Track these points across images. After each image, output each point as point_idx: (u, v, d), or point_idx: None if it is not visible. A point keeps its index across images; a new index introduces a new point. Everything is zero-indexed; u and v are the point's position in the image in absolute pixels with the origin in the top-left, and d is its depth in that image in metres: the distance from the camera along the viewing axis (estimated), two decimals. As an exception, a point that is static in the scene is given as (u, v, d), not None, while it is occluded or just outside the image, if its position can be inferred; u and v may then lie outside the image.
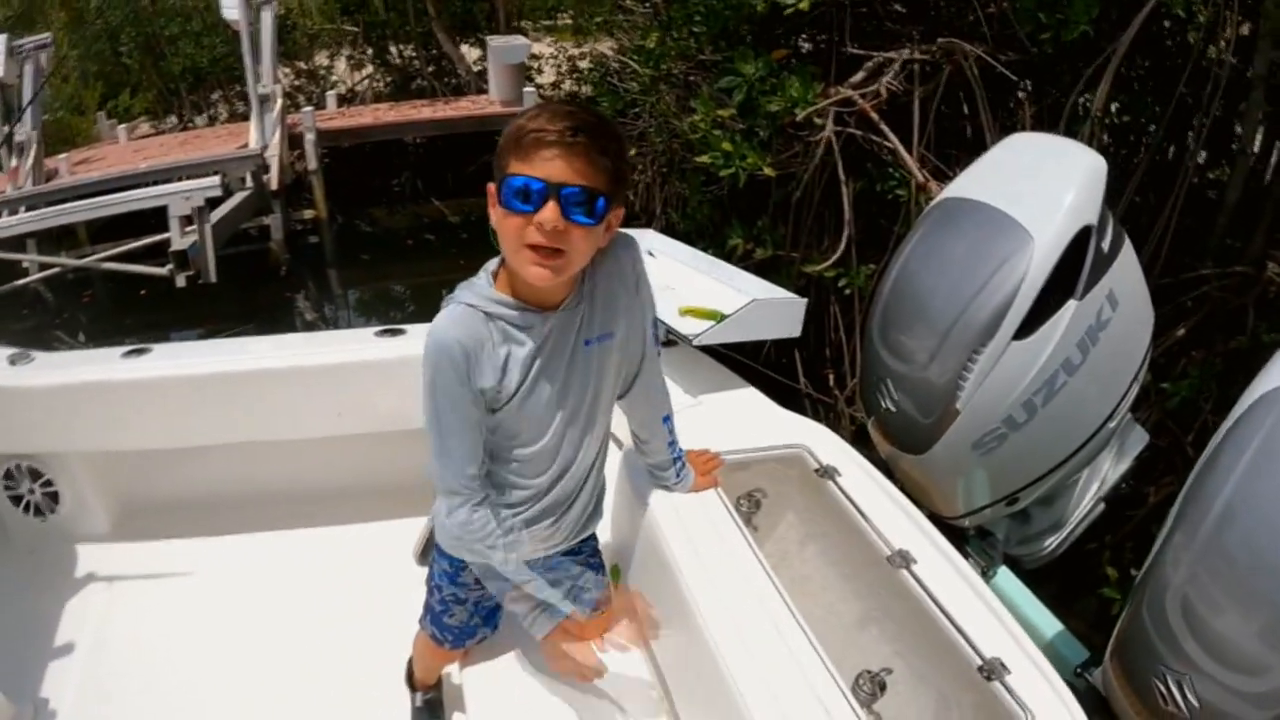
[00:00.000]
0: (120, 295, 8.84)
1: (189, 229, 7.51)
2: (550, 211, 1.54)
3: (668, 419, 2.08)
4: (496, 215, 1.63)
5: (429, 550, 2.17)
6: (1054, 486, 2.50)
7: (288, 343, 3.07)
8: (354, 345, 2.97)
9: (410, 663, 2.37)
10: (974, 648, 1.68)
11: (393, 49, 14.31)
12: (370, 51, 14.40)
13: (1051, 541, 2.66)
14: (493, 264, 1.75)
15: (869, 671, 1.75)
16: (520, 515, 1.90)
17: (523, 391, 1.75)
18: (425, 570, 2.18)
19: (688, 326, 2.80)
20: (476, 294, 1.72)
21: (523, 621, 1.90)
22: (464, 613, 2.05)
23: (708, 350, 2.91)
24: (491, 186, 1.62)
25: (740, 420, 2.51)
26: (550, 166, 1.53)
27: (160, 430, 2.95)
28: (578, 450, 1.89)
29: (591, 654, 1.91)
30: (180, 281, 7.39)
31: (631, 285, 1.85)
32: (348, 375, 2.91)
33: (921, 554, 1.91)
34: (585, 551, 2.13)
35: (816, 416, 4.66)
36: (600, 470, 2.03)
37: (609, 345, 1.84)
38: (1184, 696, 1.71)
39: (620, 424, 2.09)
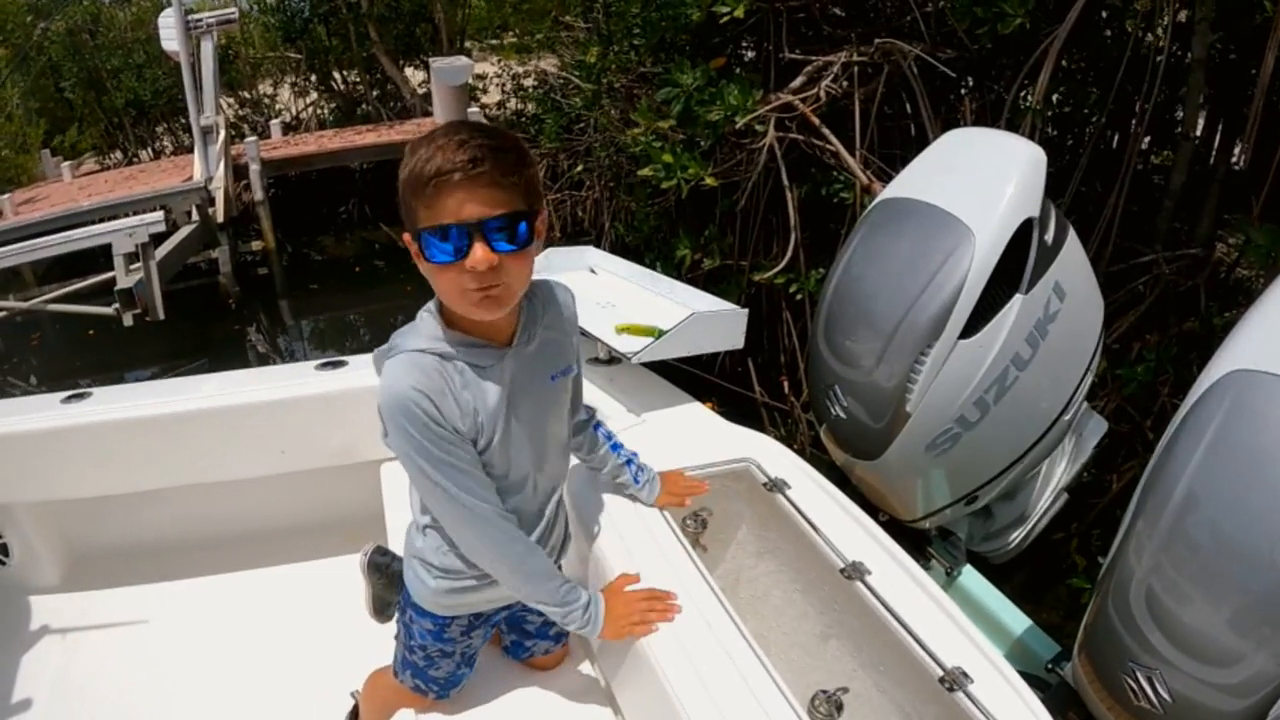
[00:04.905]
0: (69, 336, 8.70)
1: (134, 266, 7.36)
2: (480, 253, 1.44)
3: (598, 426, 2.06)
4: (425, 268, 1.53)
5: (385, 608, 2.13)
6: (1014, 481, 2.49)
7: (227, 380, 3.00)
8: (294, 380, 2.92)
9: (355, 710, 2.29)
10: (934, 658, 1.64)
11: (336, 75, 14.23)
12: (314, 78, 14.29)
13: (1016, 536, 2.66)
14: (432, 304, 1.64)
15: (825, 691, 1.70)
16: None
17: (500, 435, 1.66)
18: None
19: (626, 344, 2.75)
20: (426, 337, 1.60)
21: (576, 627, 1.79)
22: (451, 664, 1.95)
23: (651, 366, 2.87)
24: (408, 237, 1.52)
25: (685, 436, 2.47)
26: (463, 208, 1.43)
27: (104, 477, 2.90)
28: (552, 481, 1.86)
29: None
30: (127, 320, 7.23)
31: (573, 320, 1.83)
32: (289, 411, 2.86)
33: (876, 564, 1.87)
34: None
35: (773, 424, 4.64)
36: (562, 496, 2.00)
37: (569, 379, 1.82)
38: (1155, 691, 1.69)
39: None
